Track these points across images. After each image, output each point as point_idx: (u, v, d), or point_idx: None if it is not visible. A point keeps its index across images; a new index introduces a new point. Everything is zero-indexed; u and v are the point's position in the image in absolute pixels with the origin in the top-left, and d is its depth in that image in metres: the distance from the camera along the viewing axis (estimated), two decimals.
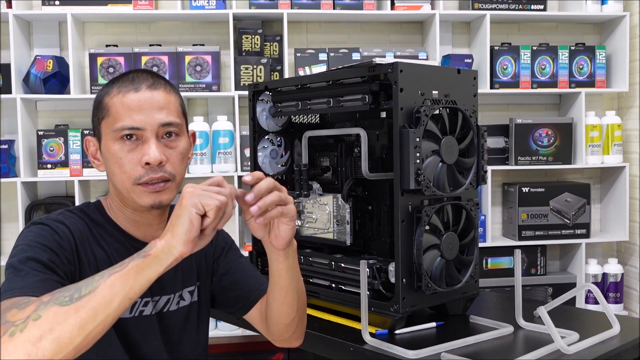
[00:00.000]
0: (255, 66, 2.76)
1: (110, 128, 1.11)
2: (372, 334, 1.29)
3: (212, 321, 2.80)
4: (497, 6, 2.87)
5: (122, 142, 1.10)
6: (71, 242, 1.07)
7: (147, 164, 1.09)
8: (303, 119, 1.75)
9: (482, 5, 2.86)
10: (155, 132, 1.11)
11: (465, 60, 2.88)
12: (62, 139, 2.67)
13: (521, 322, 1.37)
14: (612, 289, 2.93)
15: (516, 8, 2.89)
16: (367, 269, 1.35)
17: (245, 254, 2.73)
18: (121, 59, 2.71)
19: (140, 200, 1.11)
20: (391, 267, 1.35)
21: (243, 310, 1.32)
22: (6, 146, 2.67)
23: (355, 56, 2.83)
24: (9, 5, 2.67)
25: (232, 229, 2.90)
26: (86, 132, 2.69)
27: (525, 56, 2.89)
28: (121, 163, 1.10)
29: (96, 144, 1.17)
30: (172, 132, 1.13)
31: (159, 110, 1.12)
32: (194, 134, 1.23)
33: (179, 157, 1.14)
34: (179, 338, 1.24)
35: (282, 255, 1.12)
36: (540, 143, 2.91)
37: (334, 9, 2.80)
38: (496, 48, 2.88)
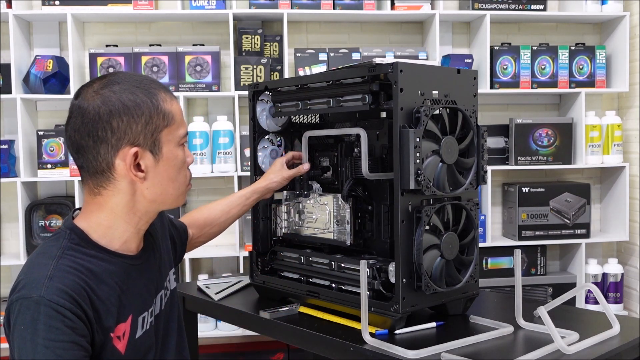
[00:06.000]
0: (255, 66, 2.76)
1: (174, 135, 1.13)
2: (372, 334, 1.29)
3: (212, 321, 2.80)
4: (497, 6, 2.87)
5: (182, 148, 1.16)
6: (80, 315, 1.02)
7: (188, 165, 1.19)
8: (303, 119, 1.75)
9: (482, 5, 2.86)
10: None
11: (465, 60, 2.88)
12: (62, 139, 2.67)
13: (521, 322, 1.37)
14: (612, 289, 2.93)
15: (516, 8, 2.89)
16: (367, 269, 1.35)
17: (245, 254, 2.74)
18: (121, 59, 2.71)
19: (183, 200, 1.20)
20: (391, 267, 1.35)
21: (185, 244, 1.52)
22: (6, 146, 2.67)
23: (355, 56, 2.83)
24: (9, 5, 2.67)
25: (232, 229, 2.90)
26: None
27: (525, 56, 2.89)
28: (182, 167, 1.16)
29: (147, 155, 1.10)
30: None
31: None
32: None
33: None
34: (170, 330, 1.25)
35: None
36: (540, 143, 2.91)
37: (334, 9, 2.80)
38: (496, 48, 2.88)
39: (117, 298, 1.10)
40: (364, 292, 1.28)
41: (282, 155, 1.73)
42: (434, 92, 1.36)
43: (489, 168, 2.80)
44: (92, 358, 1.05)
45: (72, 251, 1.07)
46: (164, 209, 1.20)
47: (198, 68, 2.75)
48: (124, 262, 1.14)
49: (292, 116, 1.71)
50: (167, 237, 1.36)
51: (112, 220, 1.12)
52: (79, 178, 2.66)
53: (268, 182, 1.62)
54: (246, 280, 1.78)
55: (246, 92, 2.60)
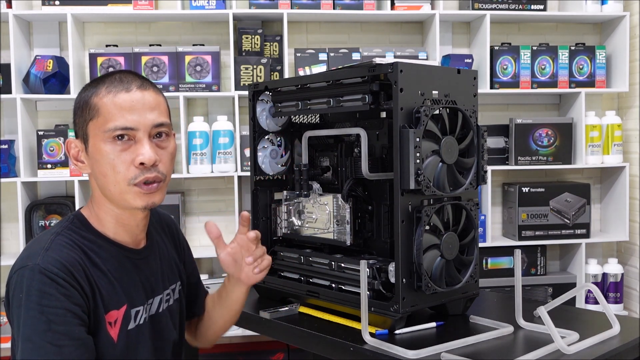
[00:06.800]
0: (255, 66, 2.76)
1: (100, 129, 1.10)
2: (372, 334, 1.29)
3: None
4: (497, 6, 2.87)
5: (113, 142, 1.10)
6: (74, 284, 1.05)
7: (142, 164, 1.10)
8: (303, 119, 1.75)
9: (482, 5, 2.86)
10: (147, 133, 1.12)
11: (465, 60, 2.88)
12: (62, 139, 2.67)
13: (521, 322, 1.37)
14: (612, 289, 2.93)
15: (516, 8, 2.88)
16: (367, 269, 1.35)
17: None
18: (121, 59, 2.71)
19: (134, 202, 1.12)
20: (391, 267, 1.35)
21: (188, 315, 1.41)
22: (6, 146, 2.67)
23: (355, 56, 2.83)
24: (9, 5, 2.67)
25: (232, 228, 2.90)
26: None
27: (525, 56, 2.89)
28: (114, 164, 1.10)
29: (79, 145, 1.16)
30: (162, 132, 1.15)
31: (151, 111, 1.12)
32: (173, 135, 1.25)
33: (169, 158, 1.16)
34: (167, 338, 1.25)
35: (245, 289, 1.32)
36: (540, 143, 2.91)
37: (334, 9, 2.79)
38: (496, 48, 2.88)
39: (109, 283, 1.12)
40: (364, 292, 1.28)
41: (282, 156, 1.73)
42: (434, 92, 1.36)
43: (489, 168, 2.80)
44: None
45: (71, 231, 1.13)
46: (125, 207, 1.14)
47: (198, 68, 2.75)
48: (118, 252, 1.16)
49: (292, 116, 1.72)
50: (177, 252, 1.37)
51: (98, 207, 1.17)
52: (79, 178, 2.67)
53: (231, 279, 1.34)
54: None
55: (246, 92, 2.60)
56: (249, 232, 1.25)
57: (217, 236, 1.23)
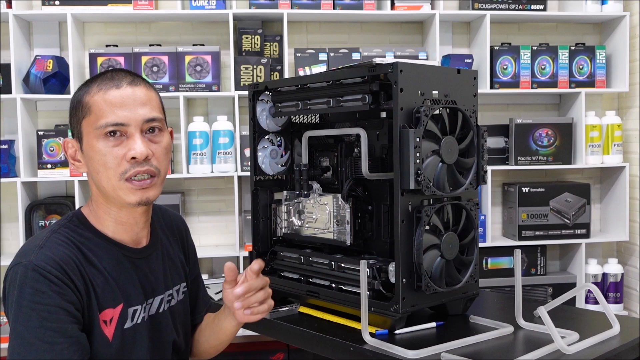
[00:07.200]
0: (255, 66, 2.76)
1: (92, 126, 1.11)
2: (372, 334, 1.29)
3: None
4: (497, 6, 2.87)
5: (105, 138, 1.11)
6: (67, 282, 1.05)
7: (133, 158, 1.10)
8: (303, 119, 1.75)
9: (482, 5, 2.86)
10: (139, 128, 1.12)
11: (465, 60, 2.88)
12: (62, 139, 2.67)
13: (521, 322, 1.37)
14: (612, 289, 2.93)
15: (516, 8, 2.89)
16: (367, 269, 1.35)
17: (245, 254, 2.74)
18: (121, 59, 2.71)
19: (127, 198, 1.12)
20: (391, 267, 1.35)
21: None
22: (6, 146, 2.67)
23: (355, 56, 2.83)
24: (9, 5, 2.67)
25: (232, 229, 2.90)
26: None
27: (525, 56, 2.89)
28: (106, 160, 1.11)
29: (75, 145, 1.17)
30: (155, 127, 1.15)
31: (142, 106, 1.13)
32: (171, 132, 1.24)
33: (163, 152, 1.16)
34: (167, 339, 1.25)
35: (235, 323, 1.27)
36: (540, 143, 2.91)
37: (334, 9, 2.79)
38: (496, 48, 2.88)
39: (105, 282, 1.12)
40: (364, 292, 1.28)
41: (282, 156, 1.73)
42: (434, 92, 1.36)
43: (489, 168, 2.80)
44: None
45: (68, 229, 1.13)
46: (120, 203, 1.14)
47: (198, 68, 2.75)
48: (117, 250, 1.16)
49: (292, 116, 1.71)
50: (183, 253, 1.36)
51: (96, 206, 1.18)
52: (79, 178, 2.67)
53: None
54: None
55: (246, 92, 2.60)
56: (252, 264, 1.19)
57: (234, 275, 1.18)
